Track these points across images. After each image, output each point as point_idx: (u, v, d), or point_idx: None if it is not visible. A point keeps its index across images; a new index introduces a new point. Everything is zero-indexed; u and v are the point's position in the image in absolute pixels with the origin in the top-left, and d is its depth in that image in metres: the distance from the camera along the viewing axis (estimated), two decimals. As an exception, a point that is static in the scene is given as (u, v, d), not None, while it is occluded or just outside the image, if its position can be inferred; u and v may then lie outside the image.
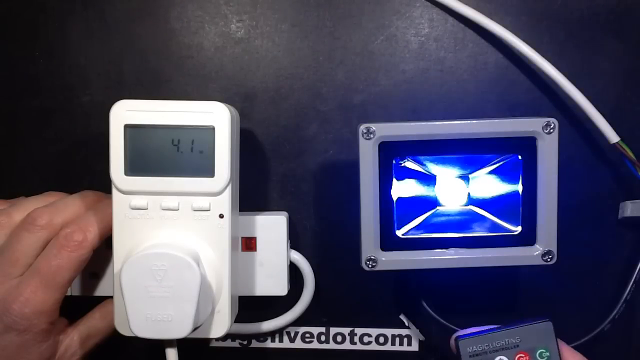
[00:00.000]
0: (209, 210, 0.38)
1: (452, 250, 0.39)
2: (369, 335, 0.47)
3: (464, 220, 0.41)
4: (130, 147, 0.37)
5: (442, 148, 0.38)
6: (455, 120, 0.38)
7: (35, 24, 0.45)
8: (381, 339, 0.47)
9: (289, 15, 0.44)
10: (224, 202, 0.38)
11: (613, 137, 0.42)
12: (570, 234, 0.43)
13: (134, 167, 0.37)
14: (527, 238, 0.39)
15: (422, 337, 0.47)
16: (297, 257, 0.45)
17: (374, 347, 0.47)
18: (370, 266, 0.39)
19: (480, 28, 0.44)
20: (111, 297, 0.39)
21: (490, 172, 0.41)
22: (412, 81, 0.45)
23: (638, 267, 0.43)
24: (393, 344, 0.47)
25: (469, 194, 0.41)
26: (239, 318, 0.42)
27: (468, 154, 0.39)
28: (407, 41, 0.44)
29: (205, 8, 0.45)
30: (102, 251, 0.40)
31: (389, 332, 0.47)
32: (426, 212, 0.41)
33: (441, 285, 0.44)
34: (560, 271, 0.45)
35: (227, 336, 0.47)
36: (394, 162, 0.39)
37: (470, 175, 0.41)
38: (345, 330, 0.47)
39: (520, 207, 0.39)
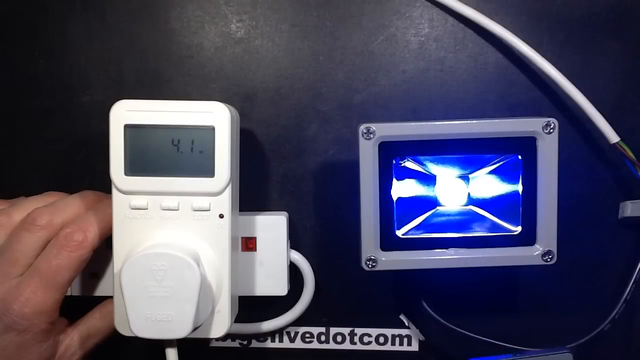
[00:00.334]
0: (209, 210, 0.38)
1: (452, 250, 0.39)
2: (369, 335, 0.47)
3: (464, 220, 0.41)
4: (130, 147, 0.37)
5: (442, 148, 0.38)
6: (455, 120, 0.38)
7: (35, 24, 0.45)
8: (381, 339, 0.47)
9: (289, 15, 0.44)
10: (224, 202, 0.38)
11: (613, 137, 0.42)
12: (570, 234, 0.43)
13: (134, 167, 0.37)
14: (527, 238, 0.39)
15: (422, 337, 0.47)
16: (297, 257, 0.45)
17: (374, 347, 0.47)
18: (370, 266, 0.39)
19: (480, 28, 0.44)
20: (111, 297, 0.39)
21: (490, 172, 0.41)
22: (412, 81, 0.45)
23: (638, 267, 0.43)
24: (393, 344, 0.47)
25: (469, 194, 0.41)
26: (239, 318, 0.42)
27: (468, 154, 0.39)
28: (407, 41, 0.44)
29: (205, 8, 0.45)
30: (102, 251, 0.40)
31: (389, 332, 0.47)
32: (426, 212, 0.41)
33: (441, 285, 0.44)
34: (560, 271, 0.45)
35: (227, 336, 0.47)
36: (394, 162, 0.39)
37: (470, 175, 0.41)
38: (345, 330, 0.47)
39: (520, 207, 0.39)
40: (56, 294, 0.37)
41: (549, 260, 0.39)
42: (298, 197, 0.45)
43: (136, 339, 0.36)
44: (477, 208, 0.41)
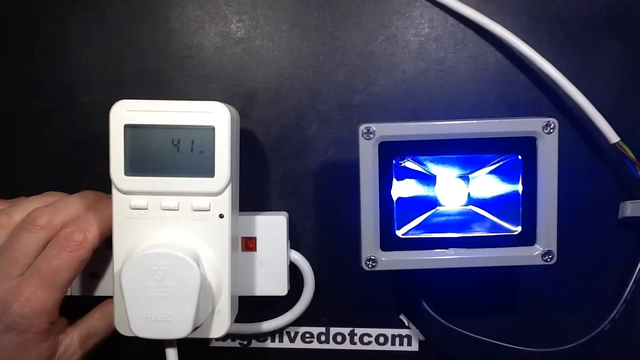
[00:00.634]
0: (209, 210, 0.38)
1: (452, 250, 0.39)
2: (369, 335, 0.47)
3: (464, 220, 0.41)
4: (130, 147, 0.37)
5: (442, 148, 0.38)
6: (455, 120, 0.38)
7: (35, 24, 0.45)
8: (381, 339, 0.47)
9: (289, 15, 0.44)
10: (224, 202, 0.38)
11: (613, 137, 0.42)
12: (570, 234, 0.43)
13: (134, 167, 0.37)
14: (527, 238, 0.39)
15: (422, 337, 0.47)
16: (297, 257, 0.45)
17: (374, 347, 0.47)
18: (370, 266, 0.39)
19: (480, 28, 0.44)
20: (111, 297, 0.39)
21: (490, 172, 0.41)
22: (412, 81, 0.45)
23: (638, 267, 0.43)
24: (393, 344, 0.47)
25: (469, 194, 0.41)
26: (239, 318, 0.42)
27: (468, 154, 0.39)
28: (407, 41, 0.44)
29: (205, 8, 0.45)
30: (102, 251, 0.40)
31: (389, 332, 0.47)
32: (426, 212, 0.41)
33: (441, 285, 0.44)
34: (560, 271, 0.45)
35: (227, 336, 0.47)
36: (394, 162, 0.39)
37: (470, 175, 0.41)
38: (345, 330, 0.47)
39: (520, 207, 0.39)
40: (56, 294, 0.37)
41: (549, 260, 0.39)
42: (298, 197, 0.45)
43: (136, 339, 0.36)
44: (477, 208, 0.41)
